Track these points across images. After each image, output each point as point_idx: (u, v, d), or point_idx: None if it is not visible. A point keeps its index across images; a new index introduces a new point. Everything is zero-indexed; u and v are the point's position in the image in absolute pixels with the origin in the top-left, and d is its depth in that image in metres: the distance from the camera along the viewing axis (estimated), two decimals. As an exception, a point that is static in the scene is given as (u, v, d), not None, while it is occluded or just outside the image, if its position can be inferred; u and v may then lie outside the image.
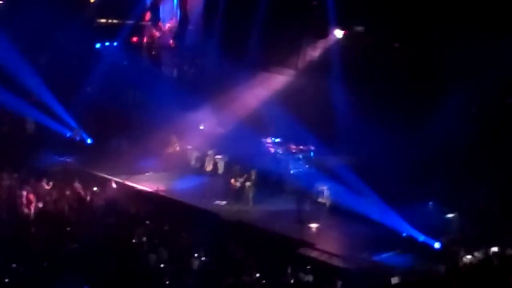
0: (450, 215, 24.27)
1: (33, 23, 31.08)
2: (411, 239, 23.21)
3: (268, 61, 31.97)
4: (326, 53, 30.70)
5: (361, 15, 28.85)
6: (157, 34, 35.46)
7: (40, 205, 24.39)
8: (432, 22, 27.06)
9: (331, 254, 22.45)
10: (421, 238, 23.12)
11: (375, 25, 28.73)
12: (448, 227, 24.09)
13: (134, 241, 22.01)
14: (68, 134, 32.15)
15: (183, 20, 34.93)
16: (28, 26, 30.97)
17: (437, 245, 22.88)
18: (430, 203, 24.87)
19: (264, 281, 19.74)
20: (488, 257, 21.71)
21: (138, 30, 35.52)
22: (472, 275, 20.68)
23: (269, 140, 30.51)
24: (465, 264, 21.41)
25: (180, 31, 34.97)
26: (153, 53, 34.96)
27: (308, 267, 20.80)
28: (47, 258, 20.03)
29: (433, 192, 25.04)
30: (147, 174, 29.14)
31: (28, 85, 31.78)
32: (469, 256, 21.71)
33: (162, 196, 26.73)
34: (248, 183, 26.54)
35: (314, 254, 22.58)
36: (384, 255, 22.28)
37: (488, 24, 25.73)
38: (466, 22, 25.89)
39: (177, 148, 30.88)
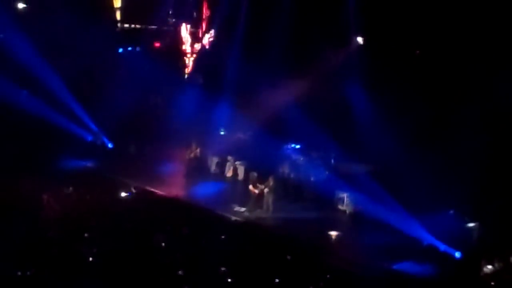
0: (471, 224, 24.07)
1: (57, 27, 31.30)
2: (432, 248, 23.05)
3: (289, 67, 31.91)
4: (348, 59, 30.59)
5: (383, 22, 28.72)
6: (179, 40, 35.52)
7: (61, 209, 24.40)
8: (453, 30, 26.91)
9: (352, 262, 22.33)
10: (442, 247, 22.95)
11: (397, 32, 28.60)
12: (469, 237, 23.89)
13: (153, 246, 21.98)
14: (90, 138, 32.27)
15: (206, 26, 34.97)
16: (52, 30, 31.17)
17: (458, 254, 22.70)
18: (451, 212, 24.68)
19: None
20: (510, 267, 21.51)
21: (161, 35, 35.56)
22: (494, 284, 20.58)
23: (289, 146, 30.46)
24: (486, 274, 21.25)
25: (202, 37, 35.02)
26: (175, 58, 34.93)
27: (328, 275, 20.69)
28: (66, 263, 20.05)
29: (454, 201, 24.83)
30: (167, 179, 29.14)
31: (51, 89, 31.93)
32: (490, 266, 21.51)
33: (182, 202, 26.71)
34: (267, 190, 26.47)
35: (334, 261, 22.46)
36: (404, 264, 22.13)
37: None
38: (487, 32, 25.75)
39: (198, 154, 30.87)
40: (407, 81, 27.62)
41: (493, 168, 25.64)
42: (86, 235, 22.19)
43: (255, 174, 27.27)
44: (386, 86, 28.42)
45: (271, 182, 26.61)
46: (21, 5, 33.28)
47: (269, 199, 26.38)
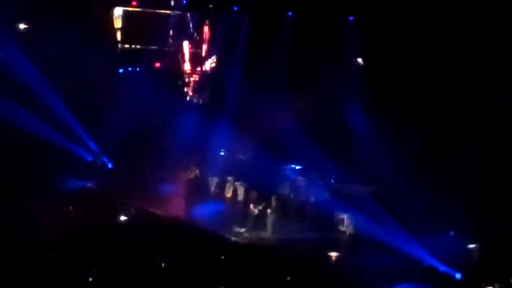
0: (471, 246, 24.07)
1: (57, 47, 31.44)
2: (432, 269, 23.03)
3: (289, 88, 31.97)
4: (348, 81, 30.66)
5: (383, 43, 28.83)
6: (180, 60, 35.64)
7: (61, 229, 24.37)
8: (453, 51, 27.02)
9: (352, 283, 22.29)
10: (442, 268, 22.93)
11: (397, 53, 28.69)
12: (469, 258, 23.88)
13: (153, 267, 21.95)
14: (90, 159, 32.26)
15: (207, 47, 35.09)
16: (53, 50, 31.30)
17: (458, 275, 22.68)
18: (451, 233, 24.68)
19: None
20: (510, 288, 21.55)
21: (161, 56, 35.65)
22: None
23: (289, 167, 30.47)
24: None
25: (203, 57, 35.12)
26: (175, 78, 34.98)
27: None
28: (66, 283, 20.02)
29: (454, 222, 24.83)
30: (167, 199, 29.10)
31: (51, 109, 31.99)
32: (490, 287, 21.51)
33: (182, 222, 26.67)
34: (267, 210, 26.46)
35: (333, 282, 22.42)
36: (404, 285, 22.08)
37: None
38: (488, 52, 25.86)
39: (198, 174, 30.84)
40: (407, 102, 27.71)
41: (493, 190, 25.67)
42: (86, 255, 22.18)
43: (256, 194, 27.26)
44: (386, 107, 28.48)
45: (272, 202, 26.65)
46: (22, 26, 33.38)
47: (269, 220, 26.37)
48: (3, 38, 31.92)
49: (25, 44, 32.44)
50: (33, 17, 33.31)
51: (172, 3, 35.27)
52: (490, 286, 21.59)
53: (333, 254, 24.38)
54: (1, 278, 19.08)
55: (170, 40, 35.73)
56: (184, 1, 34.54)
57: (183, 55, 35.67)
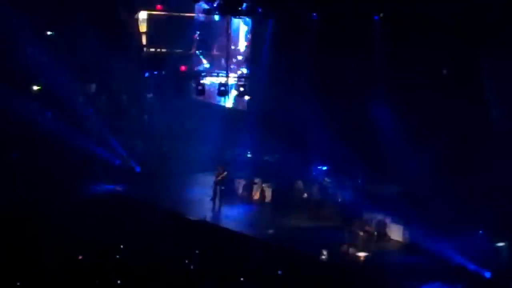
0: (500, 244, 23.93)
1: (83, 52, 31.71)
2: (461, 268, 22.93)
3: (315, 88, 31.82)
4: (374, 79, 30.46)
5: (410, 39, 28.57)
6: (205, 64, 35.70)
7: (91, 233, 24.56)
8: (481, 48, 26.78)
9: (380, 283, 22.29)
10: (471, 267, 22.83)
11: (423, 49, 28.48)
12: (499, 256, 23.74)
13: (182, 269, 22.09)
14: (117, 162, 32.38)
15: (231, 50, 35.08)
16: (78, 55, 31.55)
17: (487, 274, 22.58)
18: (480, 232, 24.55)
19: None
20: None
21: (187, 59, 35.71)
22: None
23: (317, 168, 30.43)
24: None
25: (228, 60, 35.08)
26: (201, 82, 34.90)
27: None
28: (96, 285, 20.22)
29: (482, 220, 24.67)
30: (194, 202, 29.19)
31: (78, 114, 32.26)
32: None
33: (210, 225, 26.74)
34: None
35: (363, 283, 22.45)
36: (433, 285, 22.04)
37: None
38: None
39: (225, 177, 30.77)
40: (434, 100, 27.52)
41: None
42: (115, 258, 22.37)
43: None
44: (414, 105, 28.27)
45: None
46: (49, 32, 33.69)
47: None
48: (31, 44, 32.28)
49: (51, 50, 32.71)
50: (59, 23, 33.58)
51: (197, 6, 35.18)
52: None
53: (362, 254, 24.34)
54: (30, 279, 19.33)
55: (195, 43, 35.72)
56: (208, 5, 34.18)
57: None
